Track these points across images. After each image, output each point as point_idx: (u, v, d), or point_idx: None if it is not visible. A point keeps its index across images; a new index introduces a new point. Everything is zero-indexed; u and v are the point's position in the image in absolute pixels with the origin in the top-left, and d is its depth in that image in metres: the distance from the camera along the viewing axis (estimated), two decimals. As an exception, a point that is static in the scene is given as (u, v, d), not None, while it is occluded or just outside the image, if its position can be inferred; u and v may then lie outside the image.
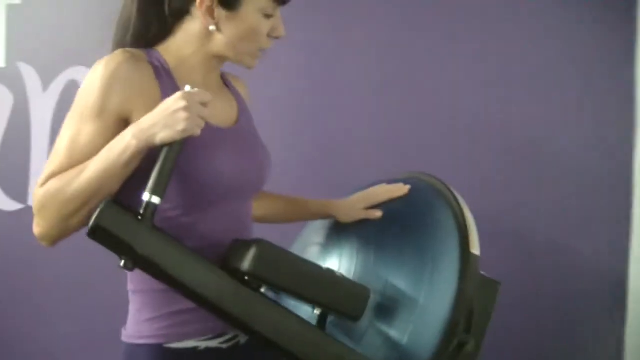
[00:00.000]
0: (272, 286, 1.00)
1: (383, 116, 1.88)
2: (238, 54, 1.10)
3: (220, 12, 1.05)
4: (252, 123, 1.20)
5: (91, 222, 0.92)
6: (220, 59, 1.11)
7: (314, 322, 1.05)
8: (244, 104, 1.21)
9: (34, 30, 2.04)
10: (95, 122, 0.98)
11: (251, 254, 0.97)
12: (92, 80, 0.99)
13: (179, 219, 1.03)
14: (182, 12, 1.07)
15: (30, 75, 2.05)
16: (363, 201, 1.24)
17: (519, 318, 1.78)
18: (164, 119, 0.93)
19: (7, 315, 2.06)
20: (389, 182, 1.28)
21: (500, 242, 1.75)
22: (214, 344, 1.07)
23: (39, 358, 2.04)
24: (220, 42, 1.08)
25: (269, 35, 1.10)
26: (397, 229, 1.18)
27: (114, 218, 0.92)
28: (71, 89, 2.00)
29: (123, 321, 1.10)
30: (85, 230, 0.95)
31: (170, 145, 0.94)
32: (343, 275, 1.07)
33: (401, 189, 1.23)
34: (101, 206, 0.92)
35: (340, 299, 1.03)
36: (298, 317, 1.02)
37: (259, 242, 0.99)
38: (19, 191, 2.05)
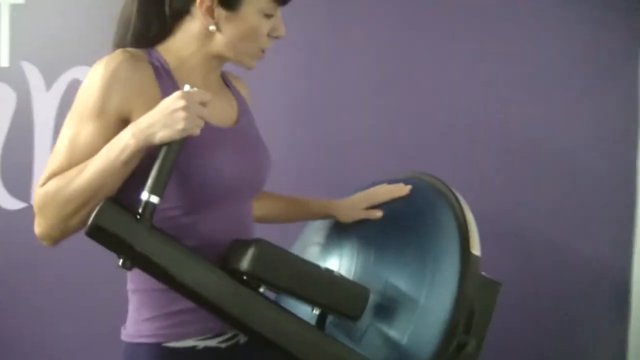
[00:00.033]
0: (271, 286, 1.00)
1: (383, 116, 1.88)
2: (238, 54, 1.10)
3: (220, 12, 1.05)
4: (253, 123, 1.20)
5: (90, 221, 0.92)
6: (220, 59, 1.11)
7: (313, 322, 1.05)
8: (245, 104, 1.20)
9: (37, 30, 2.04)
10: (95, 122, 0.98)
11: (250, 253, 0.97)
12: (92, 80, 0.99)
13: (179, 219, 1.03)
14: (182, 12, 1.07)
15: (33, 75, 2.05)
16: (364, 201, 1.24)
17: (519, 318, 1.78)
18: (163, 118, 0.93)
19: (7, 315, 2.06)
20: (390, 182, 1.27)
21: (500, 242, 1.75)
22: (213, 343, 1.07)
23: (39, 358, 2.04)
24: (220, 42, 1.08)
25: (269, 35, 1.10)
26: (397, 229, 1.18)
27: (113, 217, 0.92)
28: (74, 88, 1.99)
29: (123, 321, 1.10)
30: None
31: (169, 144, 0.94)
32: (342, 275, 1.07)
33: (402, 189, 1.23)
34: (100, 205, 0.92)
35: (339, 299, 1.03)
36: (297, 317, 1.02)
37: (258, 242, 0.99)
38: (22, 190, 2.04)
